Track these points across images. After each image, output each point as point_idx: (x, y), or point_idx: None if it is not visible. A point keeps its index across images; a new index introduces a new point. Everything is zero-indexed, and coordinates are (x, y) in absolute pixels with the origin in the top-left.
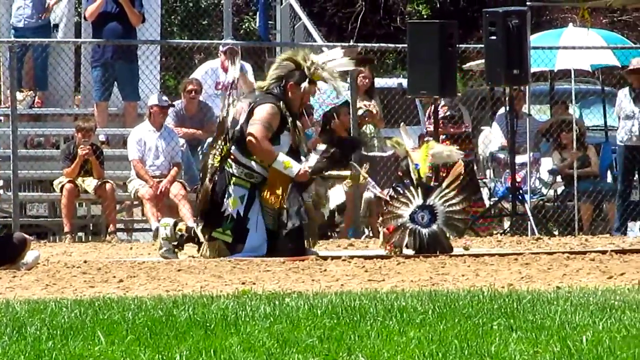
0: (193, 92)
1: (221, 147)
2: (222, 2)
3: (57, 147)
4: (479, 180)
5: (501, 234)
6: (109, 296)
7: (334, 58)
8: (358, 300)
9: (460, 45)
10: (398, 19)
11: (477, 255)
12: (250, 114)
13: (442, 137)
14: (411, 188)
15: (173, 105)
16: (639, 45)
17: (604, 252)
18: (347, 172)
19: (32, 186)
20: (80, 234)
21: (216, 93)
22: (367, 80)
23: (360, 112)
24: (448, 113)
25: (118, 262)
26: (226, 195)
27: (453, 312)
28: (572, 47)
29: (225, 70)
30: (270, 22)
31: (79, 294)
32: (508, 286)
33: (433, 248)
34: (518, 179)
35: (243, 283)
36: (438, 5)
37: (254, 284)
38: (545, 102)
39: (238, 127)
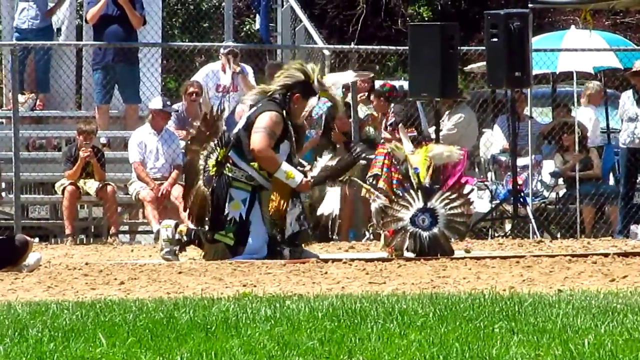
0: (194, 94)
1: (217, 151)
2: (223, 4)
3: (59, 149)
4: (480, 182)
5: (503, 236)
6: (110, 298)
7: (346, 81)
8: (359, 303)
9: (462, 48)
10: (399, 21)
11: (478, 258)
12: (250, 119)
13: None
14: (411, 191)
15: (177, 111)
16: None
17: (606, 255)
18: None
19: (33, 188)
20: (81, 236)
21: (217, 95)
22: (366, 84)
23: (361, 115)
24: (392, 120)
25: (119, 264)
26: (227, 199)
27: (454, 314)
28: (574, 50)
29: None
30: (271, 24)
31: (80, 296)
32: (509, 289)
33: (434, 251)
34: (520, 182)
35: (244, 285)
36: (439, 8)
37: (255, 286)
38: (547, 104)
39: (236, 131)
